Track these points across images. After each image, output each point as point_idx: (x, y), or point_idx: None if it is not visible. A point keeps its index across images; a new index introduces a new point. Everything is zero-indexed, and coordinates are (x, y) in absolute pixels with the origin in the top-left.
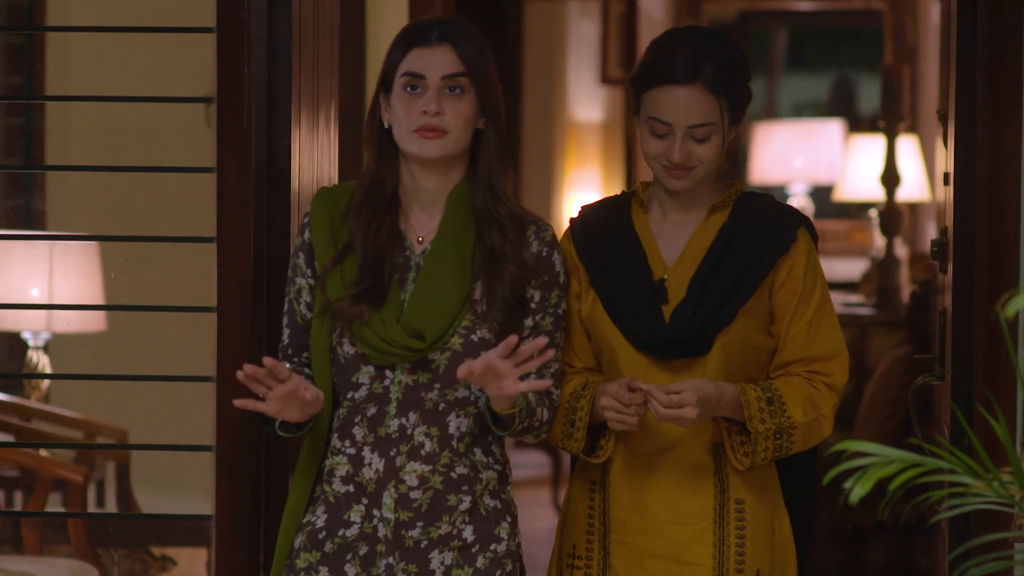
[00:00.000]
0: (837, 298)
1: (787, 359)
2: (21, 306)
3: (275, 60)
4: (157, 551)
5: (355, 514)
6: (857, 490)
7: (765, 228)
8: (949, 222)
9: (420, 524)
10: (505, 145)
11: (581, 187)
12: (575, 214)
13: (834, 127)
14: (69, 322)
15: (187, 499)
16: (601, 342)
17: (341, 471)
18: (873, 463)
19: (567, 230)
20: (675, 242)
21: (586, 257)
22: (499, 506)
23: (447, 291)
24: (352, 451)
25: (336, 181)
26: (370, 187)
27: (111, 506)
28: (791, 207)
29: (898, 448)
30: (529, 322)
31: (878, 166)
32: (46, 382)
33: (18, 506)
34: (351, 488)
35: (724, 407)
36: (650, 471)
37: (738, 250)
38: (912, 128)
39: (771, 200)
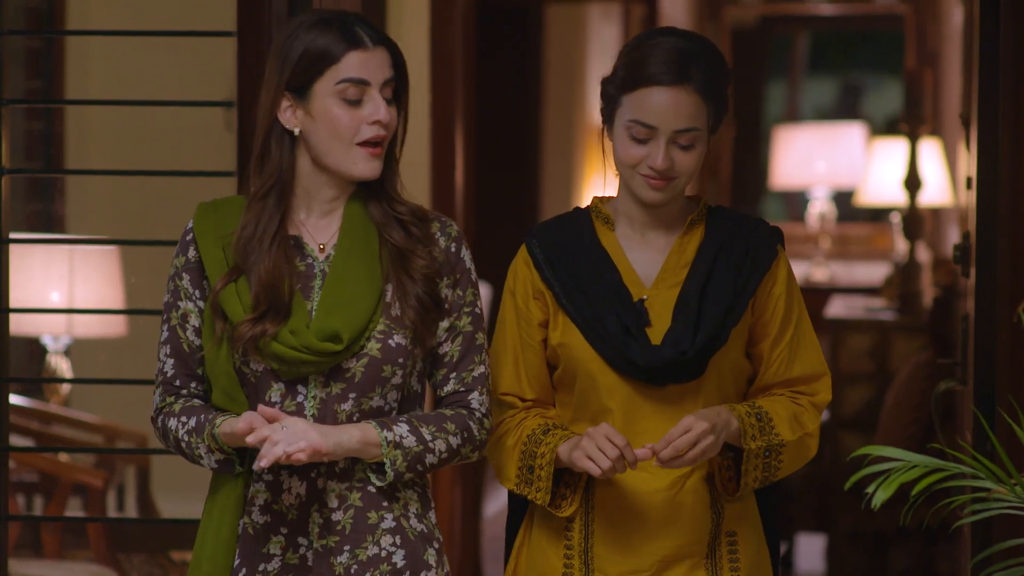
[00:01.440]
0: (859, 303)
1: (769, 381)
2: (41, 310)
3: None
4: (177, 556)
5: (275, 545)
6: (879, 495)
7: (746, 244)
8: (972, 226)
9: (347, 548)
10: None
11: (601, 191)
12: (530, 234)
13: (856, 131)
14: (89, 326)
15: None
16: (578, 369)
17: (260, 499)
18: (895, 468)
19: (524, 252)
20: (651, 260)
21: (553, 280)
22: (425, 531)
23: (359, 290)
24: (269, 477)
25: None
26: (264, 206)
27: (131, 511)
28: (763, 220)
29: (920, 453)
30: (445, 324)
31: (900, 170)
32: (66, 386)
33: (38, 511)
34: (269, 518)
35: (730, 425)
36: (642, 507)
37: (725, 268)
38: (935, 132)
39: (740, 213)
